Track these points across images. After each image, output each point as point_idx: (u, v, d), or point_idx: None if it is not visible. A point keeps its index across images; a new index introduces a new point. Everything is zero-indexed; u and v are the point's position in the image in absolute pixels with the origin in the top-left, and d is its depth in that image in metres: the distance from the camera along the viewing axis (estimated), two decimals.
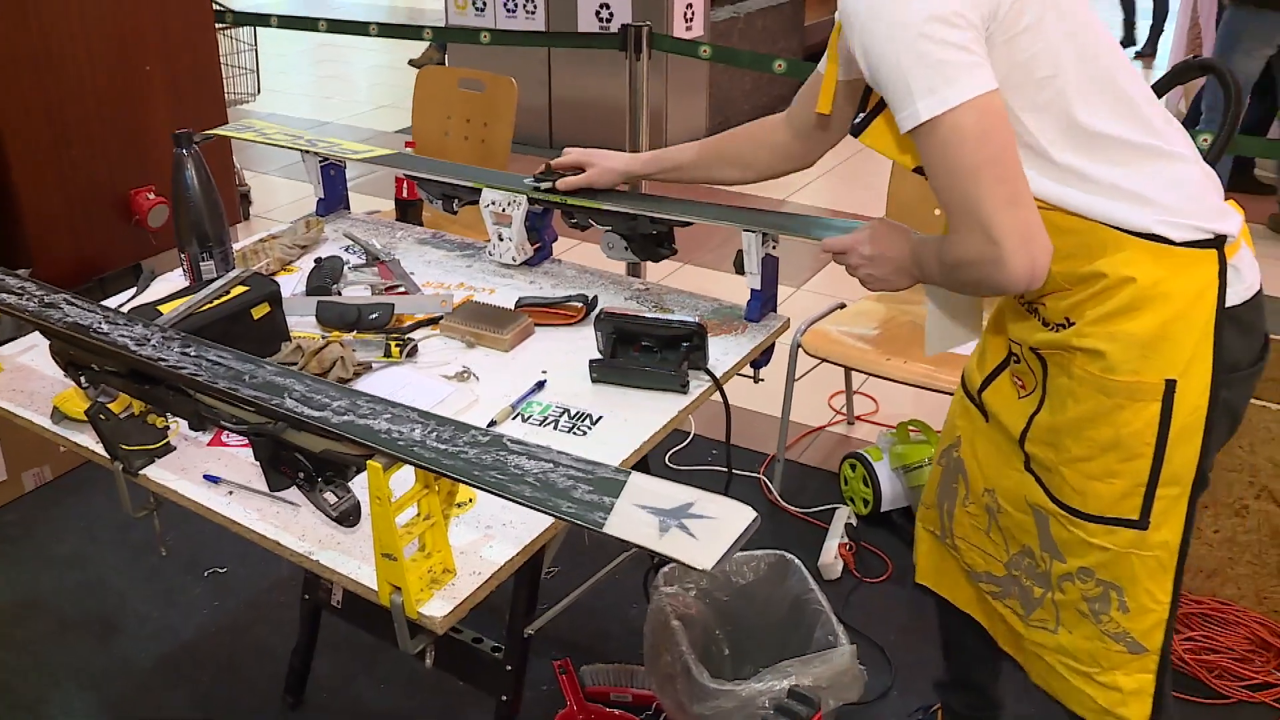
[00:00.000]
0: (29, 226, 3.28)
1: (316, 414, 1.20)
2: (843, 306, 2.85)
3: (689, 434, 3.14)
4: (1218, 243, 1.33)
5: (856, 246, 1.47)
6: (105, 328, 1.43)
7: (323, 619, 2.21)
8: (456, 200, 2.09)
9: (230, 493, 1.41)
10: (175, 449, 1.50)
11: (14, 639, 2.45)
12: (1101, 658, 1.47)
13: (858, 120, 1.42)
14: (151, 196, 3.56)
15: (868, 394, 3.33)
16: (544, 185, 1.92)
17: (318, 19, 3.79)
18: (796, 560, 1.97)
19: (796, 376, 2.78)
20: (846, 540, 2.59)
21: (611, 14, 5.28)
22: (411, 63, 7.08)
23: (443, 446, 1.13)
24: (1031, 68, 1.27)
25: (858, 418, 3.22)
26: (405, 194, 3.33)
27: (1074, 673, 1.51)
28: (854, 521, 2.67)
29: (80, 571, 2.66)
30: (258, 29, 4.62)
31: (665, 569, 1.99)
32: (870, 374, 2.58)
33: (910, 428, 2.71)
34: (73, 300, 1.52)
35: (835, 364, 2.67)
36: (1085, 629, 1.48)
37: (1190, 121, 4.72)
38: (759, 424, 3.12)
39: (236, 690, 2.31)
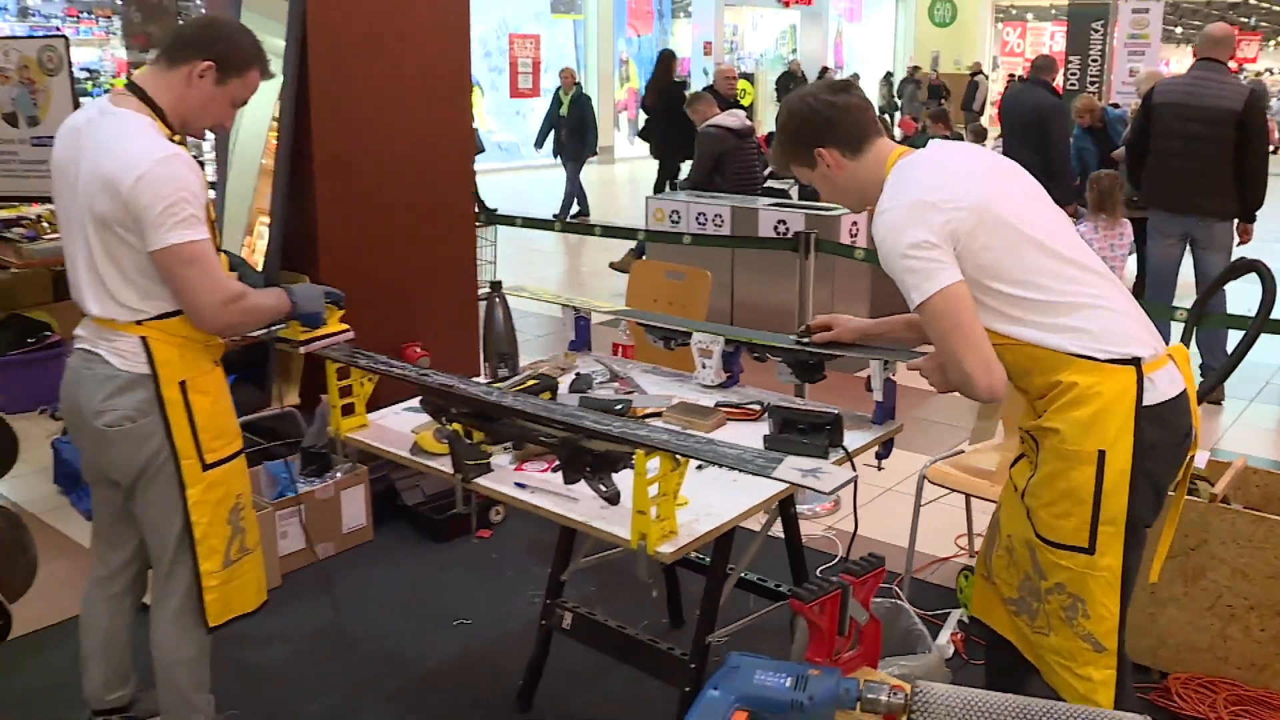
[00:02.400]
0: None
1: (602, 428, 2.02)
2: (961, 451, 3.56)
3: (836, 555, 3.83)
4: (1134, 361, 2.04)
5: (926, 364, 2.28)
6: (462, 386, 2.31)
7: (553, 642, 2.97)
8: (674, 340, 2.95)
9: (532, 492, 2.23)
10: (493, 470, 2.34)
11: (310, 656, 3.29)
12: (1077, 655, 2.12)
13: None
14: (418, 350, 4.55)
15: None
16: (804, 340, 2.66)
17: (554, 220, 4.83)
18: (907, 605, 2.64)
19: (924, 503, 3.48)
20: (958, 631, 3.21)
21: (788, 228, 6.24)
22: (612, 265, 8.20)
23: (679, 442, 1.93)
24: (991, 269, 2.04)
25: (977, 551, 3.85)
26: (620, 355, 4.22)
27: (1062, 667, 2.14)
28: (965, 619, 3.29)
29: (357, 617, 3.50)
30: (499, 227, 5.75)
31: None
32: (972, 495, 3.27)
33: None
34: (436, 373, 2.42)
35: (952, 489, 3.36)
36: (1064, 632, 2.13)
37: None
38: (895, 553, 3.78)
39: (476, 699, 3.07)
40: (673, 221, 6.78)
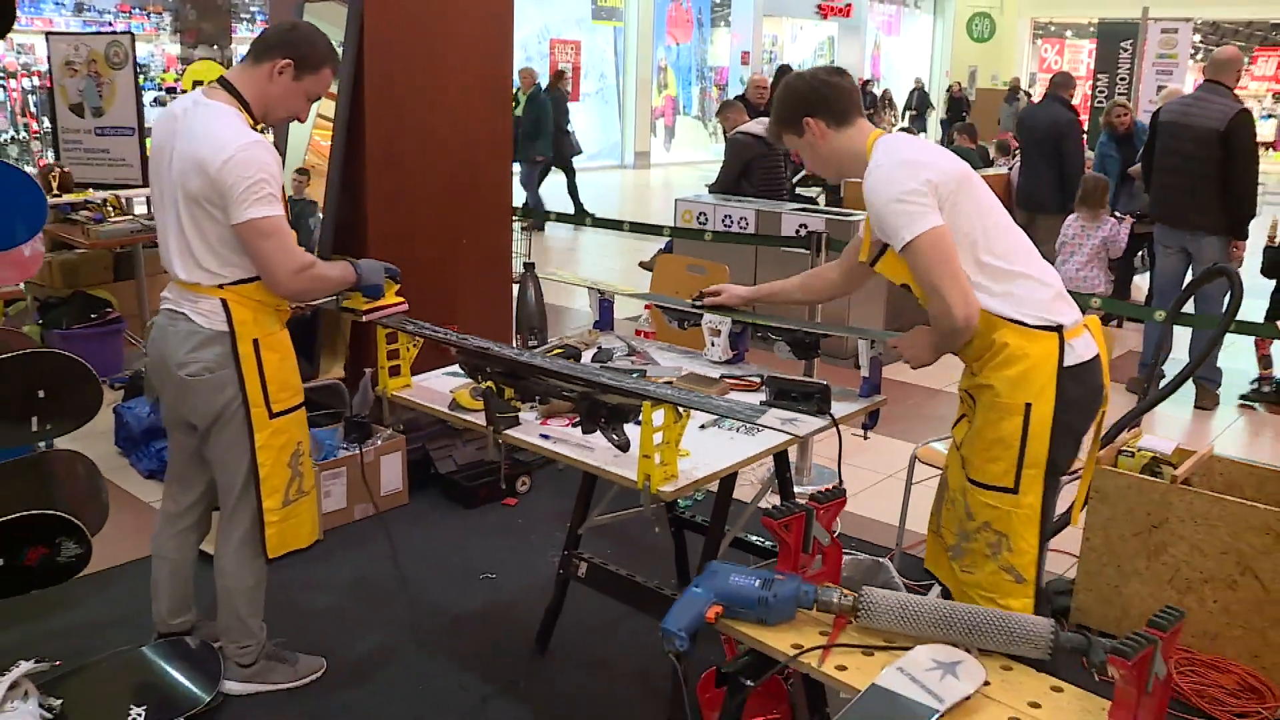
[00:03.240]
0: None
1: (616, 384, 2.34)
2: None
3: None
4: (1057, 328, 2.40)
5: (905, 339, 2.60)
6: (496, 349, 2.64)
7: (570, 590, 3.29)
8: (687, 321, 3.27)
9: (555, 441, 2.55)
10: (521, 423, 2.66)
11: (352, 602, 3.64)
12: (1000, 587, 2.44)
13: (871, 260, 2.59)
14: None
15: None
16: (698, 304, 3.14)
17: (585, 215, 5.16)
18: (888, 562, 2.94)
19: (916, 482, 3.78)
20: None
21: (810, 230, 6.52)
22: (641, 264, 8.53)
23: (680, 396, 2.25)
24: (958, 229, 2.37)
25: None
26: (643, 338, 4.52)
27: (986, 600, 2.45)
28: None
29: (394, 570, 3.83)
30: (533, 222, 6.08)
31: None
32: None
33: None
34: (472, 338, 2.75)
35: (942, 469, 3.65)
36: (988, 567, 2.46)
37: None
38: (888, 531, 4.08)
39: (499, 643, 3.39)
40: (700, 223, 7.09)
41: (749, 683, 1.79)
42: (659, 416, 2.25)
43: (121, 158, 7.35)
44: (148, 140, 8.63)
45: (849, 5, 23.46)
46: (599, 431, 2.45)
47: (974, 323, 2.36)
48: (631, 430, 2.41)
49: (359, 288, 2.90)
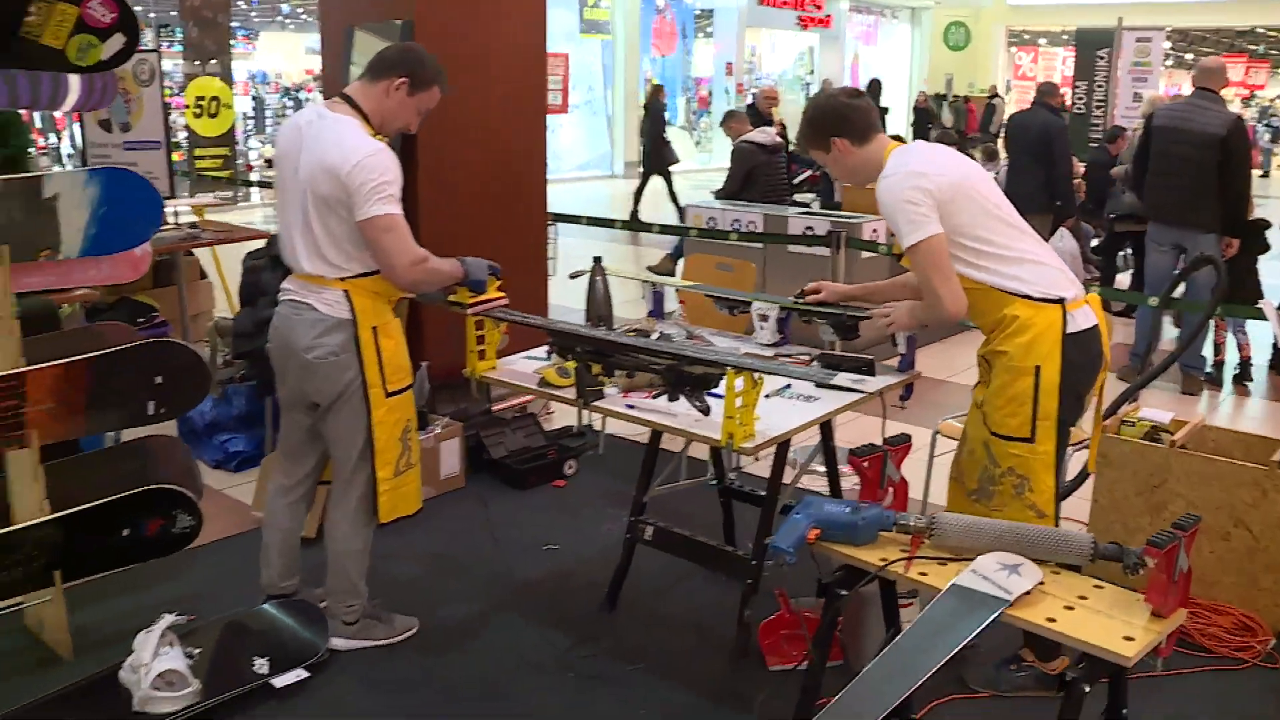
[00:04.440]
0: (427, 340, 4.99)
1: (700, 356, 2.71)
2: None
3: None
4: (1060, 301, 2.79)
5: (896, 309, 3.04)
6: (584, 331, 3.01)
7: (636, 551, 3.65)
8: (737, 308, 3.64)
9: (640, 411, 2.92)
10: (605, 396, 3.02)
11: (428, 571, 3.99)
12: (1026, 521, 2.77)
13: (898, 255, 2.95)
14: None
15: None
16: (799, 299, 3.42)
17: (614, 219, 5.53)
18: None
19: (937, 454, 4.16)
20: None
21: (825, 231, 6.90)
22: (649, 269, 8.90)
23: (758, 365, 2.62)
24: (961, 225, 2.77)
25: None
26: None
27: None
28: None
29: (460, 545, 4.17)
30: (560, 224, 6.42)
31: None
32: None
33: None
34: (560, 323, 3.11)
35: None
36: (1015, 505, 2.85)
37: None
38: (912, 505, 4.46)
39: (568, 603, 3.74)
40: (709, 226, 7.46)
41: (844, 592, 2.16)
42: (740, 383, 2.62)
43: (149, 171, 7.65)
44: (173, 154, 8.94)
45: (829, 16, 23.96)
46: (682, 399, 2.82)
47: (960, 315, 2.78)
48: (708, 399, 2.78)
49: (465, 282, 3.24)
